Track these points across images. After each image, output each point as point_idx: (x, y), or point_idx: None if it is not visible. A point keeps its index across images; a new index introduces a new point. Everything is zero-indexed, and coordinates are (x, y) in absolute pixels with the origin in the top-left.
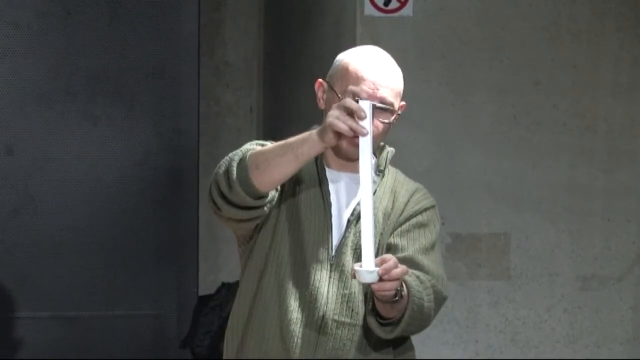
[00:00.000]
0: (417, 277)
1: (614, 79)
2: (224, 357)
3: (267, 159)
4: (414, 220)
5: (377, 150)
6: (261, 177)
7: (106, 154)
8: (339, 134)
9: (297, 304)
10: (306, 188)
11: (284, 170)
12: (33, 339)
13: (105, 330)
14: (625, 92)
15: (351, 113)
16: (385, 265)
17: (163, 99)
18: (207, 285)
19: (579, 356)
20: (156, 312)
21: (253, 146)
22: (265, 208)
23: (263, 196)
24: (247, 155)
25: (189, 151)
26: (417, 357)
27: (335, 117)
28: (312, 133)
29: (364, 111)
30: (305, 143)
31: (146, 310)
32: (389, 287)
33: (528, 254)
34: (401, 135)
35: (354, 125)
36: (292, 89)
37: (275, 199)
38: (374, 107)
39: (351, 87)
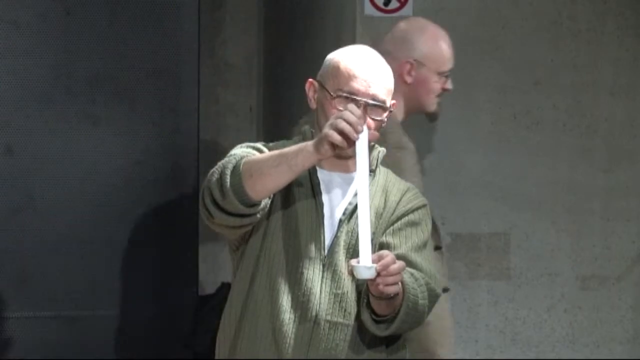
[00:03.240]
0: (412, 274)
1: (614, 78)
2: (216, 358)
3: (261, 168)
4: (405, 219)
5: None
6: (255, 186)
7: (106, 153)
8: (334, 146)
9: (289, 304)
10: (298, 189)
11: (278, 180)
12: (33, 339)
13: (105, 330)
14: (625, 91)
15: (348, 125)
16: (383, 261)
17: (163, 98)
18: (207, 285)
19: (578, 356)
20: (156, 312)
21: (244, 149)
22: (258, 215)
23: (256, 204)
24: (241, 164)
25: (189, 151)
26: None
27: (331, 129)
28: (308, 144)
29: (361, 125)
30: (300, 154)
31: (146, 310)
32: (392, 281)
33: (528, 254)
34: None
35: (351, 134)
36: (292, 89)
37: (268, 205)
38: (367, 105)
39: (344, 87)
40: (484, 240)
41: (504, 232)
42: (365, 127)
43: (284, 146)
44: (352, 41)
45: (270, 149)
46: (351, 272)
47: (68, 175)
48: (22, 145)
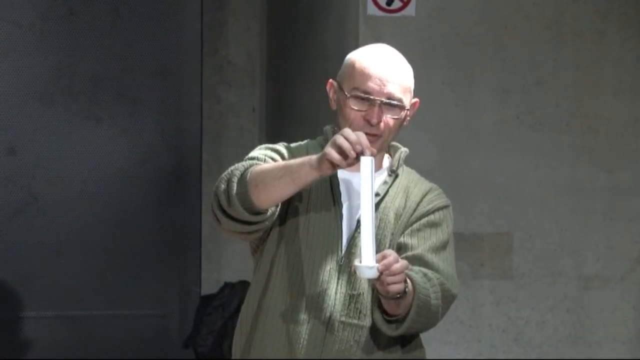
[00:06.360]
0: (425, 274)
1: (616, 78)
2: (233, 357)
3: (266, 178)
4: (425, 220)
5: (390, 150)
6: (260, 195)
7: (109, 153)
8: (334, 163)
9: (304, 305)
10: (317, 188)
11: (282, 191)
12: (36, 339)
13: (108, 330)
14: (627, 91)
15: (347, 142)
16: (385, 261)
17: (166, 98)
18: (209, 285)
19: (581, 355)
20: (159, 312)
21: (263, 152)
22: (266, 222)
23: (262, 212)
24: (249, 172)
25: (191, 151)
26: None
27: (330, 146)
28: (311, 159)
29: (360, 144)
30: (302, 168)
31: (149, 310)
32: (394, 280)
33: (531, 254)
34: (404, 135)
35: (349, 152)
36: (295, 89)
37: (277, 212)
38: (383, 104)
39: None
40: (487, 240)
41: (507, 232)
42: (370, 179)
43: (307, 146)
44: (355, 41)
45: (292, 151)
46: (354, 272)
47: (71, 175)
48: (25, 145)
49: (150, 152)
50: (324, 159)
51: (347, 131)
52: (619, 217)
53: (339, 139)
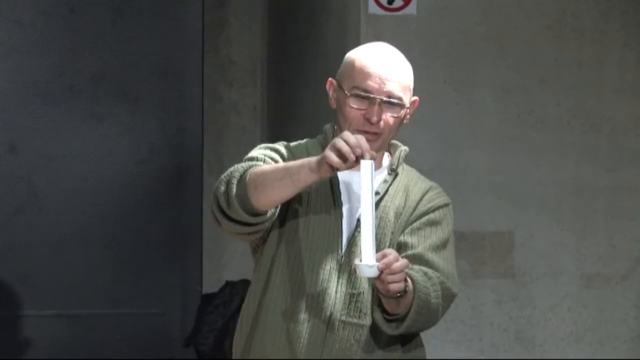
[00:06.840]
0: (425, 273)
1: (618, 77)
2: (233, 356)
3: (265, 180)
4: (425, 218)
5: (390, 148)
6: (259, 197)
7: (110, 152)
8: (333, 166)
9: (304, 304)
10: (317, 188)
11: (282, 193)
12: (37, 337)
13: (109, 329)
14: (629, 90)
15: (347, 145)
16: (385, 260)
17: (167, 97)
18: (210, 284)
19: (583, 354)
20: (160, 311)
21: (262, 151)
22: (266, 224)
23: (261, 214)
24: (248, 174)
25: (193, 149)
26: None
27: (330, 149)
28: (311, 161)
29: (360, 147)
30: (302, 170)
31: (150, 308)
32: (394, 279)
33: (532, 252)
34: (405, 134)
35: (348, 155)
36: (296, 88)
37: (277, 214)
38: (383, 102)
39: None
40: (488, 239)
41: (508, 230)
42: (370, 186)
43: (307, 145)
44: (357, 39)
45: (292, 150)
46: (354, 271)
47: (72, 174)
48: (26, 143)
49: (152, 151)
50: (324, 162)
51: (347, 134)
52: (621, 216)
53: (339, 142)
